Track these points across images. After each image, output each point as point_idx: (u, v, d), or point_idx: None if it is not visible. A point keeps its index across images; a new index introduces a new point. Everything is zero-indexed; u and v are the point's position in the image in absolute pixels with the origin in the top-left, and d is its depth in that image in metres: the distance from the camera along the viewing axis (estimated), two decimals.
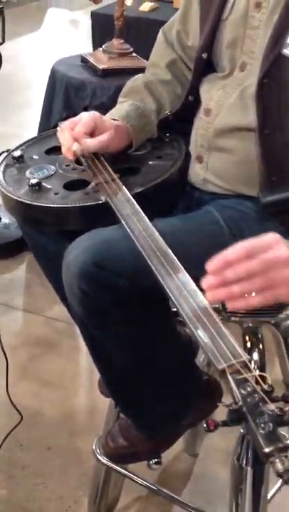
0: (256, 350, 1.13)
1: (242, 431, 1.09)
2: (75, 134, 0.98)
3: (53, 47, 4.80)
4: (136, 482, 1.27)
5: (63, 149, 1.01)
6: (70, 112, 1.97)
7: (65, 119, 1.97)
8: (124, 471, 1.26)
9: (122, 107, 1.07)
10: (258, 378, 0.60)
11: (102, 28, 2.60)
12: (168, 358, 1.01)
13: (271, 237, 0.72)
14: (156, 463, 1.16)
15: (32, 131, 2.79)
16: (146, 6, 2.70)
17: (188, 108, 1.07)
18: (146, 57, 2.10)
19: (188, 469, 1.51)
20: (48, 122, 2.08)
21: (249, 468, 1.09)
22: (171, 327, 1.00)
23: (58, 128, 1.17)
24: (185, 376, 1.07)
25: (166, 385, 1.03)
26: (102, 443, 1.19)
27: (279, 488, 1.22)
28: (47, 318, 1.98)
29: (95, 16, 2.64)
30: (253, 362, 1.10)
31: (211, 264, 0.69)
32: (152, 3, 2.74)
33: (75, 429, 1.58)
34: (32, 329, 1.93)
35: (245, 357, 0.62)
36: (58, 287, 1.12)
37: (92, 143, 0.98)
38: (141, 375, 1.01)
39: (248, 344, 1.13)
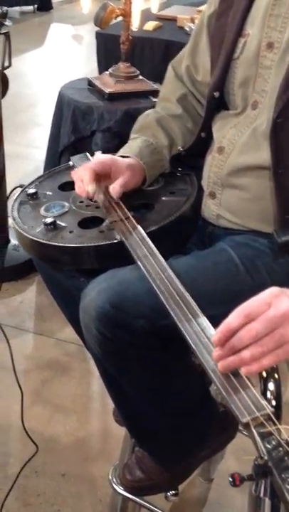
0: (272, 380, 1.13)
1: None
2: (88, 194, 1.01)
3: (58, 63, 4.84)
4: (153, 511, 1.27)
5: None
6: (78, 135, 1.98)
7: (73, 143, 2.01)
8: (140, 501, 1.26)
9: (135, 143, 1.07)
10: (283, 431, 0.60)
11: (107, 48, 2.63)
12: (183, 391, 1.02)
13: (269, 293, 0.72)
14: (173, 495, 1.16)
15: (40, 150, 2.81)
16: (150, 25, 2.72)
17: (201, 144, 1.08)
18: (151, 77, 2.13)
19: (204, 495, 1.51)
20: (56, 146, 2.10)
21: (267, 499, 1.09)
22: (187, 362, 1.00)
23: (70, 163, 1.19)
24: (200, 409, 1.08)
25: (181, 418, 1.03)
26: (119, 475, 1.19)
27: None
28: (58, 340, 1.98)
29: (99, 36, 2.66)
30: (269, 392, 1.11)
31: (216, 336, 0.70)
32: (156, 22, 2.75)
33: (89, 455, 1.59)
34: (43, 352, 1.94)
35: (269, 409, 0.62)
36: (72, 318, 1.14)
37: (117, 190, 1.00)
38: (156, 409, 1.01)
39: (264, 373, 1.13)
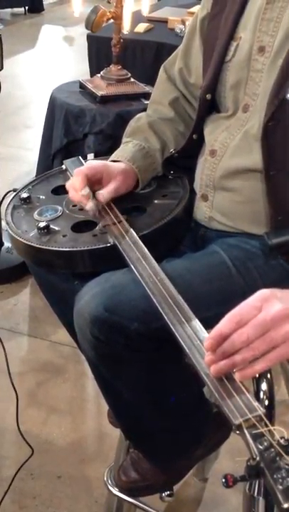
0: (264, 380, 1.14)
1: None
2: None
3: (49, 65, 4.84)
4: None
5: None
6: (71, 138, 1.99)
7: (66, 146, 2.01)
8: (136, 502, 1.27)
9: (127, 147, 1.08)
10: (274, 432, 0.61)
11: (99, 50, 2.63)
12: (179, 392, 1.03)
13: (258, 296, 0.72)
14: (168, 495, 1.17)
15: (33, 152, 2.81)
16: (141, 27, 2.73)
17: (193, 145, 1.09)
18: (143, 79, 2.14)
19: (199, 495, 1.52)
20: (49, 149, 2.10)
21: (261, 498, 1.10)
22: (181, 363, 1.01)
23: (63, 166, 1.19)
24: (195, 409, 1.09)
25: (176, 419, 1.04)
26: (114, 476, 1.20)
27: None
28: (52, 342, 1.99)
29: (90, 38, 2.66)
30: (261, 392, 1.12)
31: (207, 342, 0.70)
32: (147, 24, 2.76)
33: (84, 457, 1.59)
34: (38, 354, 1.94)
35: (260, 411, 0.63)
36: (66, 321, 1.14)
37: (104, 197, 1.00)
38: (151, 411, 1.02)
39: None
